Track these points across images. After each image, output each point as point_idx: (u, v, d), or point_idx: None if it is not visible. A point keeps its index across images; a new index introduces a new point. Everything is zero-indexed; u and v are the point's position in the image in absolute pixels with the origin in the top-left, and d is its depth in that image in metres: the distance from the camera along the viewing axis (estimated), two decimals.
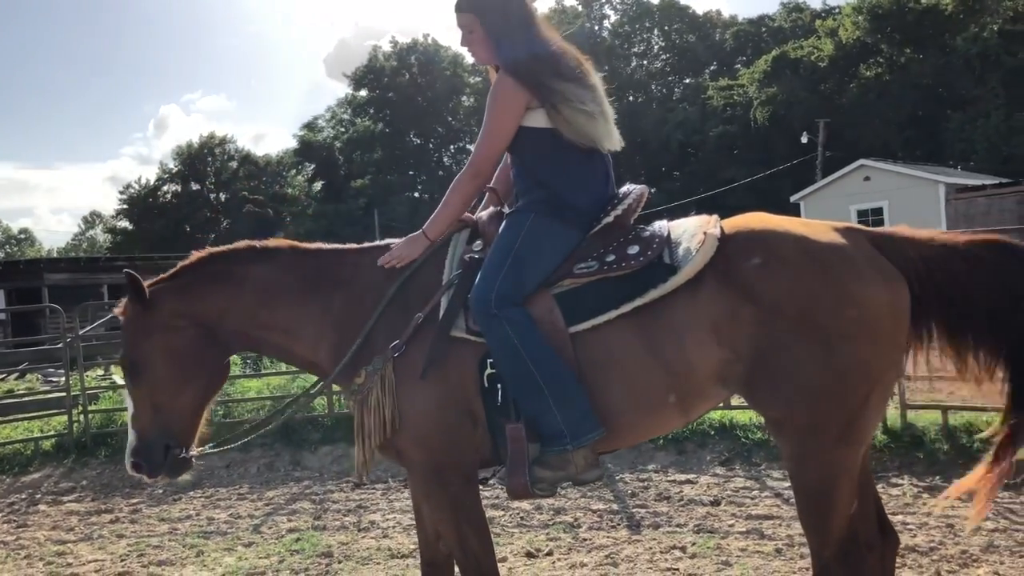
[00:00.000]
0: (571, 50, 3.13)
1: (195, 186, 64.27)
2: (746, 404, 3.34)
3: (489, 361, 2.90)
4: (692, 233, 2.90)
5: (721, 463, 6.73)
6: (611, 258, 2.91)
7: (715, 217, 2.98)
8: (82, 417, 8.81)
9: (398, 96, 63.20)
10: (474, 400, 2.93)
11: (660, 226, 3.01)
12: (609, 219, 3.03)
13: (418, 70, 63.75)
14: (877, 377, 2.74)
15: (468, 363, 2.93)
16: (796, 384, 2.70)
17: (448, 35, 71.79)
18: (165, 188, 64.05)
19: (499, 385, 2.88)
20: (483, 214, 3.22)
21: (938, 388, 6.42)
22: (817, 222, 3.02)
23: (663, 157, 54.41)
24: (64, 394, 8.97)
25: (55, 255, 67.56)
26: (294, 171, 66.69)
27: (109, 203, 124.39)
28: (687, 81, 62.78)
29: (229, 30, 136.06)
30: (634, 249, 2.91)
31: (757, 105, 48.71)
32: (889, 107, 45.92)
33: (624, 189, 3.15)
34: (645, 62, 64.91)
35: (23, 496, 7.52)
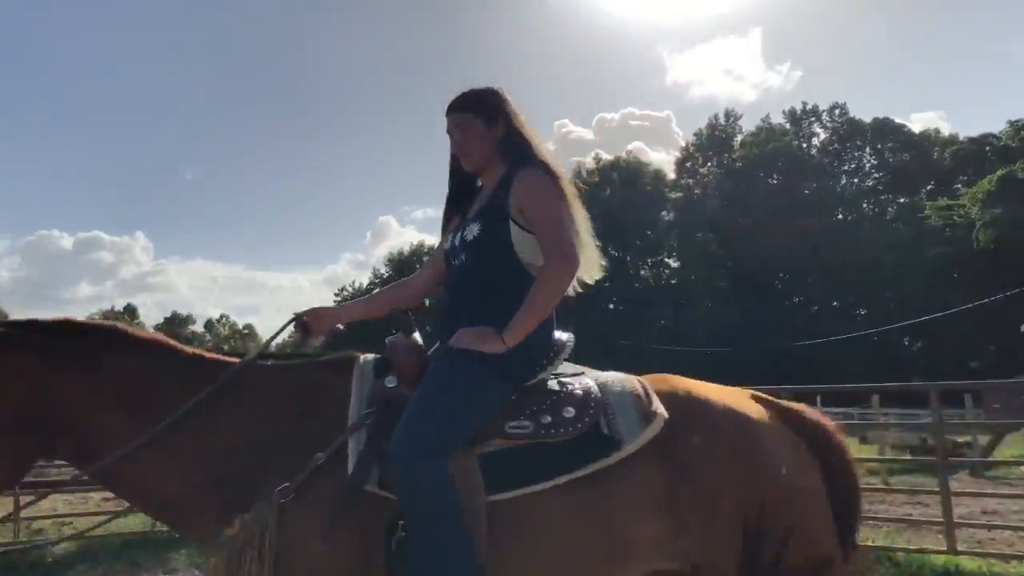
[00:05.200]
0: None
1: None
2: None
3: (400, 523, 2.44)
4: (630, 402, 2.69)
5: None
6: (546, 420, 2.61)
7: (643, 382, 2.82)
8: None
9: (599, 210, 64.25)
10: (373, 568, 2.44)
11: (587, 384, 2.75)
12: (545, 374, 2.73)
13: (619, 185, 64.78)
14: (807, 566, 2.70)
15: (373, 522, 2.45)
16: (731, 558, 2.61)
17: (647, 154, 72.76)
18: (376, 291, 67.81)
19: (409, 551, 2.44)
20: (395, 341, 2.77)
21: None
22: (736, 391, 2.98)
23: (874, 278, 51.75)
24: None
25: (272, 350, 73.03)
26: None
27: (326, 303, 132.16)
28: (901, 200, 60.04)
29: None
30: (569, 412, 2.63)
31: (980, 227, 45.64)
32: None
33: (558, 335, 2.81)
34: (856, 180, 62.85)
35: None
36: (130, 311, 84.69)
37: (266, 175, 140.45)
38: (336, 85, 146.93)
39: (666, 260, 66.86)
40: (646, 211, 63.82)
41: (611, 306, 61.90)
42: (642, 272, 66.49)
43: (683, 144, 69.98)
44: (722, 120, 67.40)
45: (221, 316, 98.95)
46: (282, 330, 2.92)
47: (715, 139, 66.10)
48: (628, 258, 65.97)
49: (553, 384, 2.73)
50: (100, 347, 2.60)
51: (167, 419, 2.49)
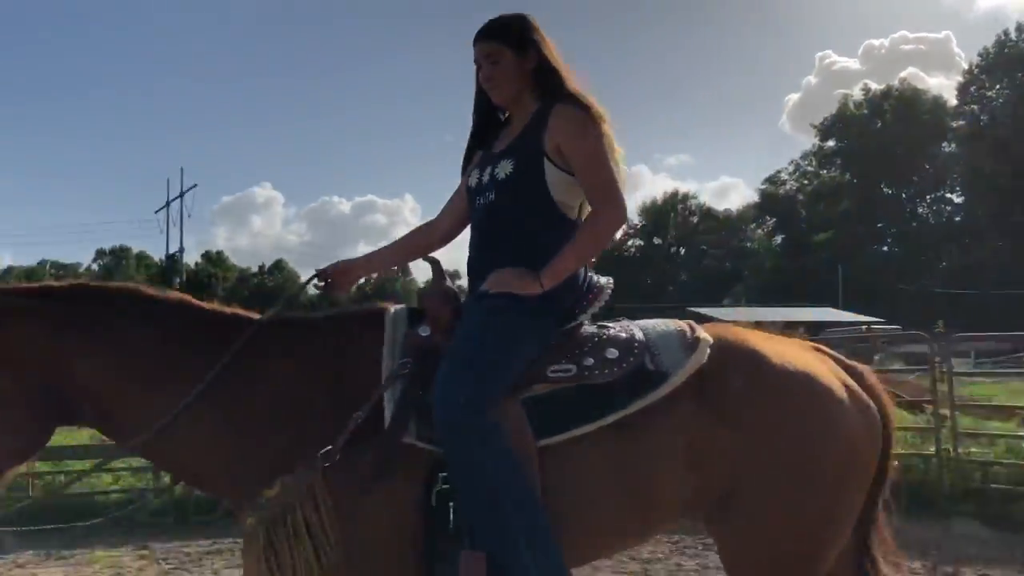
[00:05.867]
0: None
1: (656, 240, 67.23)
2: None
3: (441, 476, 2.36)
4: (674, 336, 2.60)
5: None
6: (589, 361, 2.52)
7: (690, 321, 2.69)
8: None
9: (869, 145, 59.73)
10: (413, 523, 2.37)
11: (629, 327, 2.65)
12: (586, 315, 2.65)
13: (892, 116, 59.63)
14: (844, 519, 2.59)
15: (411, 477, 2.37)
16: (763, 521, 2.49)
17: (923, 81, 66.41)
18: (630, 242, 67.87)
19: (450, 504, 2.36)
20: (429, 290, 2.68)
21: None
22: (795, 342, 2.83)
23: None
24: None
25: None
26: (753, 224, 66.37)
27: None
28: None
29: (698, 84, 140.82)
30: (612, 353, 2.53)
31: None
32: None
33: (597, 279, 2.71)
34: None
35: None
36: (403, 268, 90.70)
37: None
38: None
39: (948, 196, 61.56)
40: (924, 143, 58.71)
41: (884, 248, 57.61)
42: (920, 210, 61.44)
43: (966, 67, 63.06)
44: (1013, 35, 59.60)
45: None
46: (306, 284, 2.92)
47: (1005, 57, 58.53)
48: (904, 195, 61.13)
49: (593, 328, 2.65)
50: (117, 312, 2.51)
51: (194, 390, 2.40)
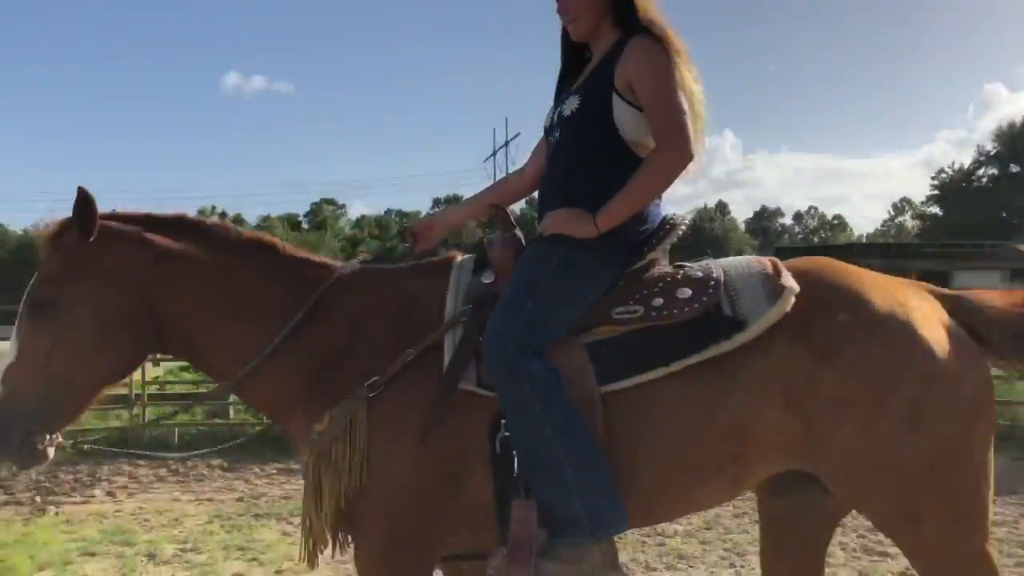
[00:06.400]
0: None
1: (1014, 168, 59.47)
2: None
3: (503, 422, 2.34)
4: (756, 279, 2.42)
5: None
6: (658, 302, 2.41)
7: (775, 260, 2.50)
8: None
9: None
10: (475, 469, 2.38)
11: (711, 266, 2.49)
12: (656, 254, 2.53)
13: None
14: (971, 456, 2.34)
15: (472, 423, 2.38)
16: (881, 466, 2.30)
17: None
18: (980, 172, 60.81)
19: (514, 452, 2.34)
20: (494, 238, 2.67)
21: None
22: (891, 278, 2.58)
23: None
24: None
25: (864, 241, 70.23)
26: None
27: (919, 189, 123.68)
28: None
29: None
30: (685, 293, 2.40)
31: None
32: None
33: (669, 214, 2.59)
34: None
35: None
36: (721, 207, 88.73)
37: (851, 58, 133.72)
38: None
39: None
40: None
41: None
42: None
43: None
44: None
45: (809, 208, 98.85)
46: (392, 243, 2.79)
47: None
48: None
49: (668, 268, 2.55)
50: (211, 246, 2.60)
51: (284, 328, 2.52)
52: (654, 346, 2.37)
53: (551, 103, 2.76)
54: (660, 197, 2.58)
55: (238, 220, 51.86)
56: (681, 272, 2.50)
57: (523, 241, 2.65)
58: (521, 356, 2.32)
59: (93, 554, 5.54)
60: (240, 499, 7.21)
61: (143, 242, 2.54)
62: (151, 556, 5.50)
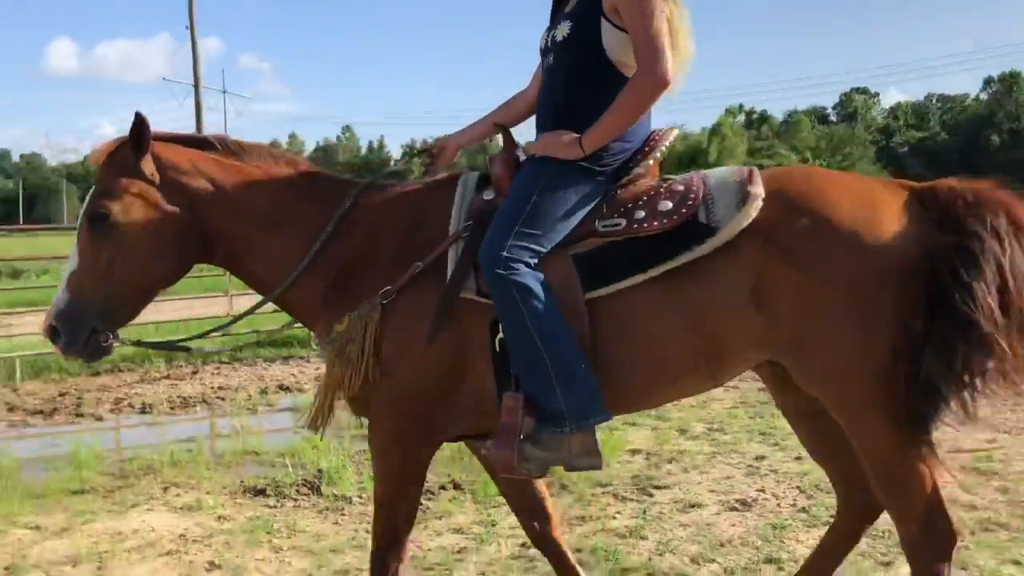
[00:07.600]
0: None
1: None
2: None
3: (502, 325, 2.57)
4: (730, 188, 2.55)
5: None
6: (640, 215, 2.56)
7: (753, 169, 2.64)
8: None
9: None
10: (479, 365, 2.63)
11: (692, 178, 2.64)
12: (641, 169, 2.68)
13: None
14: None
15: (474, 327, 2.62)
16: (843, 358, 2.45)
17: None
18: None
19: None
20: (494, 157, 2.80)
21: None
22: (868, 179, 2.75)
23: None
24: None
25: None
26: None
27: None
28: None
29: None
30: (666, 205, 2.55)
31: None
32: None
33: (655, 130, 2.74)
34: None
35: None
36: None
37: None
38: None
39: None
40: None
41: None
42: None
43: None
44: None
45: None
46: (409, 161, 3.07)
47: None
48: None
49: (653, 182, 2.68)
50: (248, 166, 2.87)
51: (315, 243, 2.75)
52: (635, 255, 2.53)
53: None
54: (647, 114, 2.66)
55: None
56: (664, 185, 2.62)
57: (520, 159, 2.76)
58: (509, 268, 2.48)
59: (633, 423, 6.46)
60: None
61: (190, 160, 2.81)
62: (682, 431, 6.40)
